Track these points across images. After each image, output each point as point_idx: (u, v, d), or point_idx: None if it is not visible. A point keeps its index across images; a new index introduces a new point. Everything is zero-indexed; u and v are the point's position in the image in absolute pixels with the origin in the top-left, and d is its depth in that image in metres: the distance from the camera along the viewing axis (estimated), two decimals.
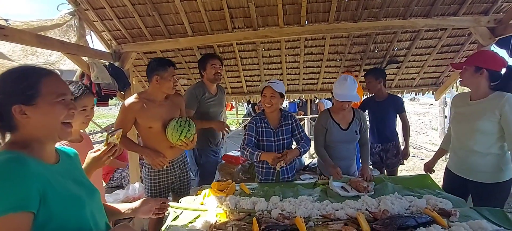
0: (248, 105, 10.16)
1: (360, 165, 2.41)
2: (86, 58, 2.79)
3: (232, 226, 1.45)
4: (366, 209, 1.57)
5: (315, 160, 3.33)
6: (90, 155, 1.25)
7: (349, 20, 2.94)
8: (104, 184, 3.75)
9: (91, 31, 3.05)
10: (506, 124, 1.65)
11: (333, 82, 3.60)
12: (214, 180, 2.77)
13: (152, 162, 2.07)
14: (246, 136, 2.18)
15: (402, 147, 3.04)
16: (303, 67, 3.78)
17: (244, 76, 3.94)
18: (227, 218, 1.57)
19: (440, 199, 1.63)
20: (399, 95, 3.91)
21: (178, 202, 1.82)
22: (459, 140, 1.92)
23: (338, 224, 1.41)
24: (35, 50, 2.82)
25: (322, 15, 2.92)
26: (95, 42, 3.20)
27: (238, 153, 3.26)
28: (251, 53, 3.61)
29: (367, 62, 3.63)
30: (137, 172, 3.32)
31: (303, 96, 4.40)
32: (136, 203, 1.25)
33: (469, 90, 1.87)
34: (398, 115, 3.00)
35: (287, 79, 3.97)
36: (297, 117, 2.49)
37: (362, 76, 3.57)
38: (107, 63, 3.04)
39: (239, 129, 8.58)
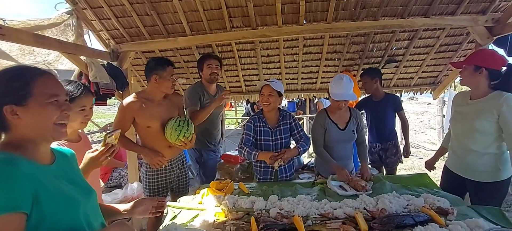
0: (247, 105, 10.15)
1: (358, 164, 2.41)
2: (84, 58, 2.78)
3: (230, 225, 1.45)
4: (364, 208, 1.57)
5: (313, 160, 3.33)
6: (88, 155, 1.25)
7: (347, 19, 2.94)
8: (103, 184, 3.74)
9: (89, 31, 3.04)
10: (505, 124, 1.66)
11: None
12: (214, 178, 2.78)
13: (151, 162, 2.07)
14: (244, 135, 2.17)
15: (402, 146, 3.05)
16: (302, 67, 3.78)
17: (243, 75, 3.94)
18: (225, 217, 1.57)
19: (438, 197, 1.63)
20: (398, 94, 3.92)
21: (176, 201, 1.83)
22: (458, 139, 1.92)
23: (336, 223, 1.41)
24: (32, 49, 2.80)
25: (321, 14, 2.92)
26: (93, 42, 3.20)
27: (237, 152, 3.26)
28: (250, 53, 3.60)
29: (365, 61, 3.64)
30: (136, 172, 3.32)
31: (302, 96, 4.41)
32: (131, 204, 1.25)
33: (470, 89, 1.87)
34: (396, 114, 3.01)
35: (286, 79, 3.97)
36: (296, 116, 2.49)
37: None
38: (105, 63, 3.03)
39: (238, 128, 8.58)
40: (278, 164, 2.04)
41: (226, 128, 7.29)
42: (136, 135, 3.07)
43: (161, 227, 1.50)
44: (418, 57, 3.59)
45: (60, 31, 2.75)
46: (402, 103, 3.11)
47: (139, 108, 2.00)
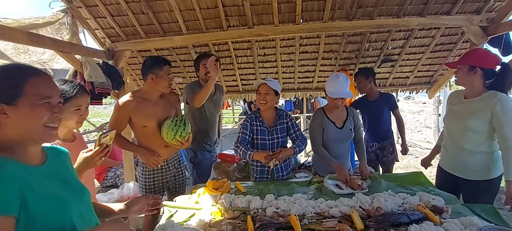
0: (244, 104, 10.15)
1: (355, 163, 2.42)
2: (79, 57, 2.76)
3: (226, 224, 1.45)
4: (360, 206, 1.58)
5: (310, 159, 3.34)
6: (82, 155, 1.24)
7: (343, 19, 2.95)
8: (98, 184, 3.72)
9: (84, 29, 3.02)
10: (498, 124, 1.68)
11: None
12: (209, 179, 2.76)
13: (147, 161, 2.06)
14: (240, 134, 2.18)
15: (398, 144, 3.07)
16: (298, 66, 3.78)
17: (239, 74, 3.93)
18: (222, 216, 1.58)
19: (432, 196, 1.65)
20: (394, 93, 3.95)
21: (173, 201, 1.82)
22: (451, 137, 1.94)
23: (332, 221, 1.42)
24: (27, 48, 2.78)
25: (317, 13, 2.92)
26: (88, 40, 3.17)
27: (233, 152, 3.26)
28: (246, 52, 3.60)
29: (361, 61, 3.65)
30: (132, 171, 3.30)
31: (299, 95, 4.41)
32: (125, 203, 1.24)
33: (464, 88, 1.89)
34: (391, 112, 3.03)
35: (283, 78, 3.97)
36: (293, 115, 2.49)
37: None
38: (100, 62, 3.01)
39: (235, 127, 8.57)
40: (273, 163, 2.04)
41: (223, 127, 7.28)
42: (132, 134, 3.06)
43: (157, 226, 1.50)
44: (414, 56, 3.61)
45: (55, 29, 2.72)
46: (399, 103, 3.13)
47: (135, 108, 1.99)
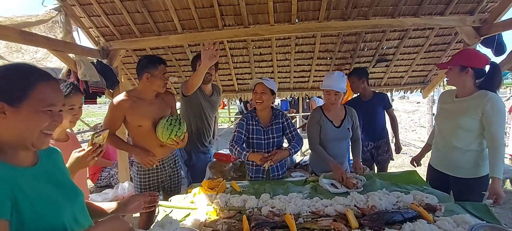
0: (240, 103, 10.15)
1: (351, 161, 2.44)
2: (73, 55, 2.72)
3: (222, 224, 1.44)
4: (355, 205, 1.59)
5: (306, 158, 3.35)
6: (74, 154, 1.22)
7: (339, 19, 2.96)
8: (93, 184, 3.70)
9: (78, 28, 2.98)
10: (487, 122, 1.72)
11: None
12: (204, 179, 2.75)
13: (142, 161, 2.05)
14: (235, 133, 2.17)
15: (392, 143, 3.09)
16: (294, 65, 3.79)
17: (235, 74, 3.93)
18: (217, 216, 1.57)
19: (426, 194, 1.67)
20: (388, 93, 3.98)
21: (168, 200, 1.81)
22: (442, 136, 1.98)
23: (327, 220, 1.43)
24: (20, 47, 2.74)
25: (313, 13, 2.93)
26: (82, 39, 3.14)
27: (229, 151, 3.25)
28: (242, 51, 3.60)
29: (357, 60, 3.68)
30: (127, 171, 3.28)
31: (295, 94, 4.42)
32: (122, 202, 1.24)
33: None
34: (385, 111, 3.06)
35: (278, 77, 3.98)
36: (289, 114, 2.49)
37: None
38: (94, 61, 2.98)
39: (231, 126, 8.57)
40: (268, 164, 2.05)
41: (219, 127, 7.27)
42: (127, 133, 3.04)
43: (155, 222, 1.49)
44: (408, 56, 3.64)
45: (48, 28, 2.68)
46: (393, 102, 3.16)
47: (130, 107, 1.97)
